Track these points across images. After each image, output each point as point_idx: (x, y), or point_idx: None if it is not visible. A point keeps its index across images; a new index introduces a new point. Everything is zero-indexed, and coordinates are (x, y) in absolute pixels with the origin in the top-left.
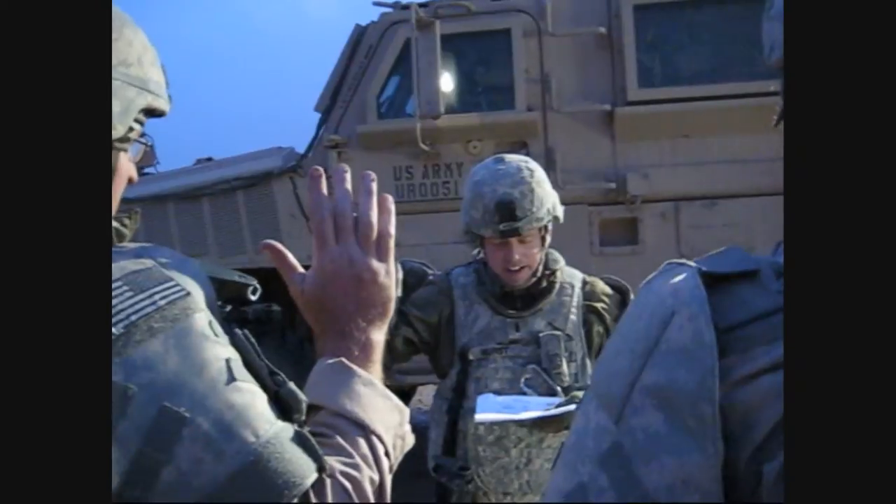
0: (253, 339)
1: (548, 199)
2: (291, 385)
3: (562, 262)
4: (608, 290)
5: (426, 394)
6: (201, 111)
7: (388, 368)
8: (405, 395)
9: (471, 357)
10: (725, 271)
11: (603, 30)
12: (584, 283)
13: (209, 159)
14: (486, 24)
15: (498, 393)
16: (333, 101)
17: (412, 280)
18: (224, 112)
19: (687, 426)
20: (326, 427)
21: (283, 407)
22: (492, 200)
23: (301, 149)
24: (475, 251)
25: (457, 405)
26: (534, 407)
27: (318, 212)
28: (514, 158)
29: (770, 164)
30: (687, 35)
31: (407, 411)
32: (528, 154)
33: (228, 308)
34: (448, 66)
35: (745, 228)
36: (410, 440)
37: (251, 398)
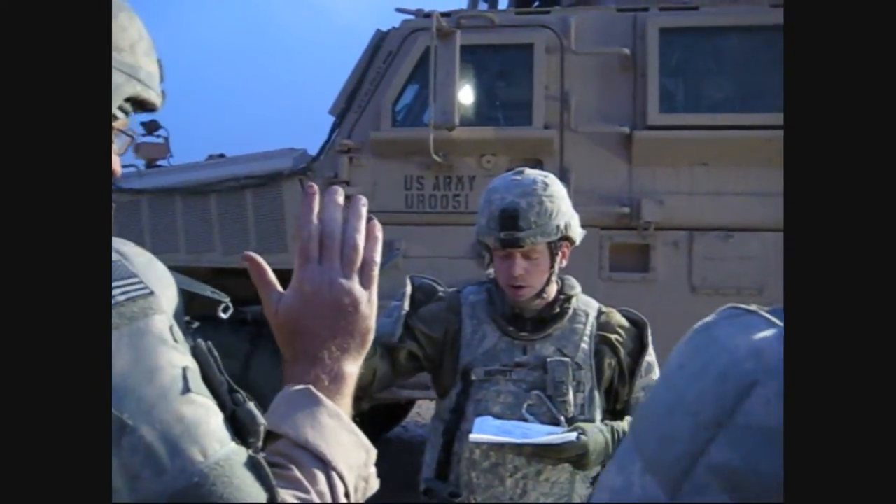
0: (216, 353)
1: (560, 216)
2: (251, 406)
3: (578, 288)
4: (625, 322)
5: (424, 406)
6: (218, 108)
7: (359, 400)
8: (402, 408)
9: (473, 377)
10: None
11: (627, 51)
12: (600, 312)
13: (221, 156)
14: (509, 38)
15: (498, 417)
16: (349, 105)
17: (421, 296)
18: (241, 110)
19: None
20: (284, 457)
21: (239, 429)
22: (497, 208)
23: (314, 151)
24: (486, 265)
25: (454, 427)
26: (534, 434)
27: (306, 229)
28: (533, 172)
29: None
30: (712, 61)
31: (374, 452)
32: None
33: (195, 325)
34: (466, 77)
35: (760, 263)
36: (375, 484)
37: (204, 414)
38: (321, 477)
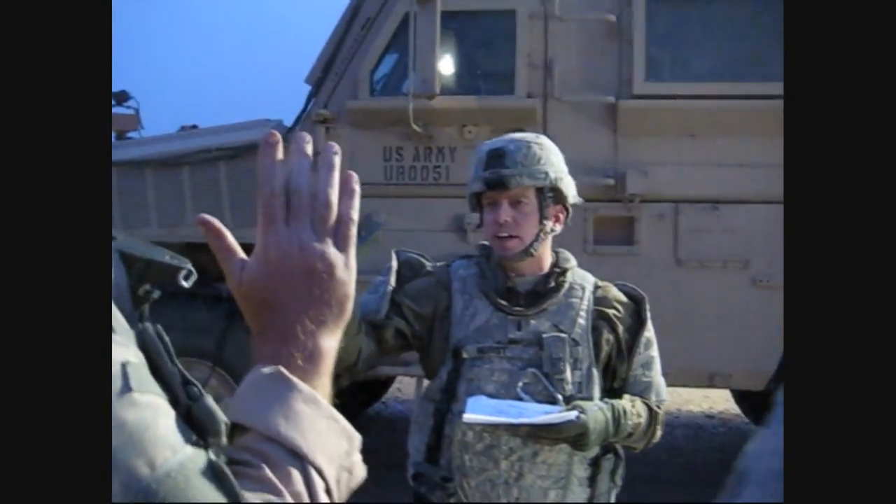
0: (167, 338)
1: (550, 165)
2: (209, 400)
3: (574, 262)
4: (622, 297)
5: (405, 382)
6: (191, 77)
7: (338, 377)
8: (382, 384)
9: (465, 355)
10: None
11: (613, 17)
12: (597, 286)
13: (194, 127)
14: (491, 4)
15: (492, 396)
16: (325, 73)
17: (408, 271)
18: (214, 79)
19: None
20: (252, 453)
21: (197, 428)
22: (484, 151)
23: (290, 121)
24: (476, 226)
25: (445, 408)
26: (531, 414)
27: (268, 184)
28: (529, 133)
29: (777, 171)
30: (700, 29)
31: (358, 438)
32: None
33: (156, 294)
34: (447, 44)
35: (746, 236)
36: (360, 473)
37: (151, 416)
38: (296, 474)
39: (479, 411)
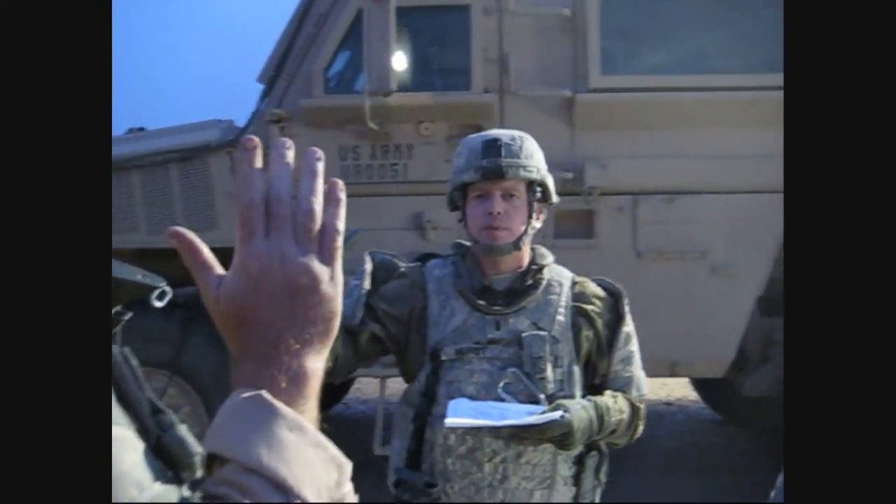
0: (134, 363)
1: (540, 161)
2: (181, 430)
3: (550, 258)
4: (600, 291)
5: (365, 382)
6: (135, 78)
7: (349, 373)
8: (342, 385)
9: (443, 357)
10: None
11: (567, 11)
12: (574, 282)
13: (141, 129)
14: None
15: (472, 398)
16: (278, 72)
17: (382, 273)
18: (160, 79)
19: None
20: (233, 487)
21: (168, 460)
22: (479, 141)
23: (241, 122)
24: (458, 219)
25: (425, 412)
26: (513, 415)
27: (248, 192)
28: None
29: (731, 161)
30: (654, 23)
31: (348, 466)
32: None
33: (128, 315)
34: (401, 41)
35: (704, 226)
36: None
37: (117, 449)
38: None
39: (460, 414)
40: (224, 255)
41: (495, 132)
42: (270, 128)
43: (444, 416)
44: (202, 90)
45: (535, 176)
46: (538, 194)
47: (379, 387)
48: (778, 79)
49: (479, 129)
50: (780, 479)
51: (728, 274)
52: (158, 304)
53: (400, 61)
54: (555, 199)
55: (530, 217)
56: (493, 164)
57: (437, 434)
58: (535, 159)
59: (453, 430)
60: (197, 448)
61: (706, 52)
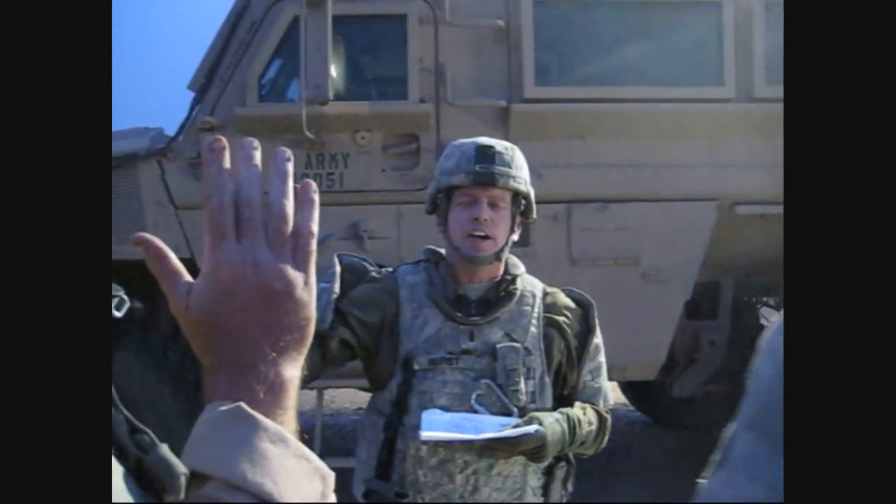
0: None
1: (527, 174)
2: (163, 450)
3: (522, 268)
4: (570, 303)
5: (301, 392)
6: None
7: (314, 378)
8: None
9: (416, 367)
10: None
11: (501, 23)
12: (545, 293)
13: None
14: (380, 8)
15: (445, 409)
16: (210, 79)
17: (351, 277)
18: None
19: None
20: None
21: (149, 483)
22: (471, 147)
23: (170, 130)
24: (439, 223)
25: (396, 421)
26: (487, 427)
27: (217, 195)
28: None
29: (661, 171)
30: (587, 35)
31: (331, 477)
32: (418, 148)
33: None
34: (336, 49)
35: (635, 233)
36: None
37: None
38: None
39: (434, 426)
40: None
41: (487, 140)
42: (203, 136)
43: (416, 426)
44: (128, 97)
45: (523, 188)
46: (522, 207)
47: (316, 398)
48: (705, 91)
49: (416, 138)
50: (703, 481)
51: (659, 280)
52: (117, 314)
53: (335, 70)
54: (534, 214)
55: (512, 229)
56: (487, 170)
57: (409, 445)
58: (524, 171)
59: (427, 442)
60: (182, 468)
61: (637, 64)
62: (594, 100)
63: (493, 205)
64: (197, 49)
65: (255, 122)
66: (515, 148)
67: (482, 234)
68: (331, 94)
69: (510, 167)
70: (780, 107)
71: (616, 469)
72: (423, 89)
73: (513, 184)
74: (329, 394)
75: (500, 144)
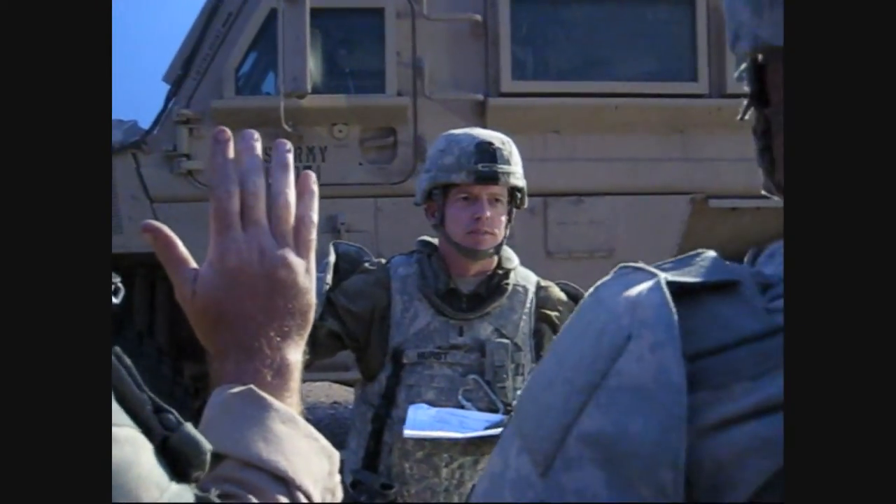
0: (128, 361)
1: (520, 166)
2: (189, 428)
3: (516, 261)
4: (564, 297)
5: None
6: None
7: (305, 368)
8: None
9: (405, 360)
10: (697, 281)
11: (479, 17)
12: (539, 286)
13: None
14: (358, 2)
15: (432, 404)
16: (185, 71)
17: (345, 265)
18: None
19: (637, 493)
20: (235, 484)
21: (174, 460)
22: (471, 144)
23: (145, 123)
24: (435, 222)
25: (384, 414)
26: (472, 423)
27: (223, 184)
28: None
29: (636, 164)
30: (561, 30)
31: (337, 456)
32: (395, 142)
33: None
34: (315, 43)
35: (609, 226)
36: (340, 495)
37: (132, 451)
38: (284, 501)
39: (419, 421)
40: (128, 261)
41: (484, 134)
42: (179, 129)
43: (403, 419)
44: None
45: (521, 183)
46: (518, 200)
47: None
48: (679, 86)
49: (393, 132)
50: None
51: None
52: (115, 301)
53: (312, 63)
54: (526, 204)
55: (509, 222)
56: (489, 168)
57: (396, 437)
58: (520, 165)
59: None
60: (208, 445)
61: (613, 59)
62: (570, 94)
63: (491, 200)
64: (171, 41)
65: (233, 115)
66: (510, 140)
67: (486, 229)
68: (309, 87)
69: (510, 163)
70: None
71: None
72: (401, 83)
73: (513, 180)
74: (304, 388)
75: (497, 139)
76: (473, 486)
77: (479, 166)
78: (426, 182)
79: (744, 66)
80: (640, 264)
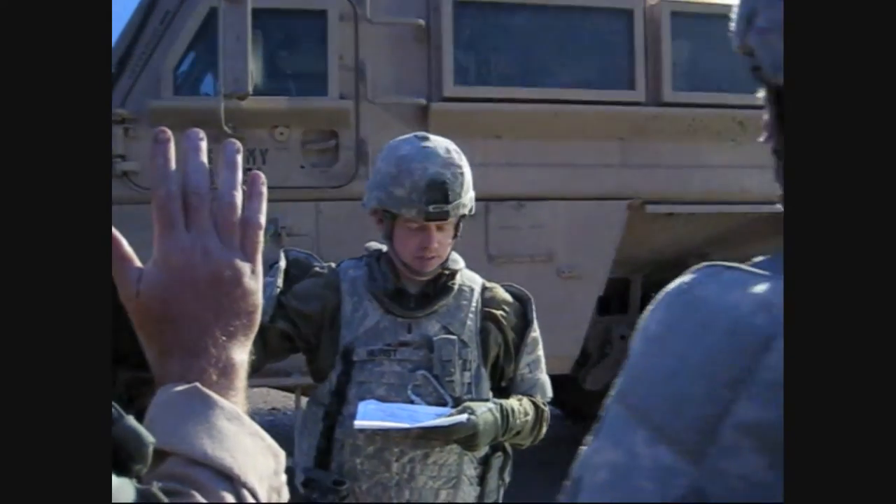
0: None
1: (470, 187)
2: (130, 420)
3: (462, 263)
4: (509, 297)
5: None
6: None
7: (256, 370)
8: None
9: (355, 358)
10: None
11: (422, 22)
12: (484, 288)
13: None
14: (300, 3)
15: (383, 399)
16: (121, 70)
17: (296, 272)
18: None
19: None
20: (179, 480)
21: (114, 452)
22: (422, 179)
23: None
24: (384, 234)
25: (335, 411)
26: (421, 417)
27: (163, 185)
28: (437, 138)
29: (576, 170)
30: (503, 37)
31: (283, 456)
32: (337, 145)
33: None
34: (255, 44)
35: (550, 231)
36: (286, 495)
37: None
38: (230, 498)
39: (370, 416)
40: None
41: (435, 166)
42: (114, 128)
43: (354, 416)
44: None
45: (469, 208)
46: (466, 216)
47: None
48: (617, 94)
49: (335, 135)
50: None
51: (572, 276)
52: None
53: (253, 64)
54: (473, 206)
55: (455, 237)
56: (440, 209)
57: (347, 434)
58: (468, 190)
59: (362, 430)
60: (150, 438)
61: (553, 66)
62: (511, 100)
63: (441, 227)
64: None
65: (171, 115)
66: (462, 163)
67: (431, 255)
68: (250, 89)
69: (460, 196)
70: (687, 111)
71: (528, 461)
72: (343, 86)
73: (461, 211)
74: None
75: (449, 171)
76: (569, 482)
77: (430, 207)
78: (375, 202)
79: (763, 92)
80: (729, 263)
